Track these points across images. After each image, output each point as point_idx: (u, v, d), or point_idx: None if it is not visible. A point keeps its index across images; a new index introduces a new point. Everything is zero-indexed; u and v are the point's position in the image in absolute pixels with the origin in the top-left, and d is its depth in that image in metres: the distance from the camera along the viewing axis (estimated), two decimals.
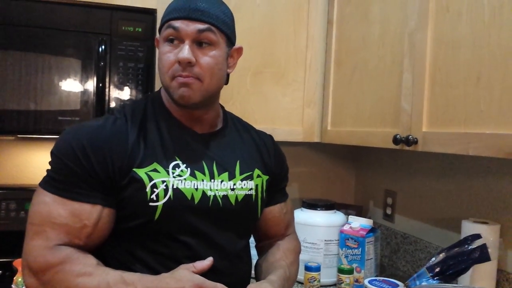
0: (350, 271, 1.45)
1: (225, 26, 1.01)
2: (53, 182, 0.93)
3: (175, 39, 0.97)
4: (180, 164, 0.99)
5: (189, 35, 0.96)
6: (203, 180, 1.00)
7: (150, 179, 0.94)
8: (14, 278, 1.31)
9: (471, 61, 1.02)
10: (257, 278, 1.13)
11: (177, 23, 0.96)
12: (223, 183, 1.02)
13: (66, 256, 0.89)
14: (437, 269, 1.19)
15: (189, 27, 0.95)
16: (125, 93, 1.50)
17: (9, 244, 1.50)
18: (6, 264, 1.46)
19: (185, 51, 0.95)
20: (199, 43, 0.97)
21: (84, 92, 1.45)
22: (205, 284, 0.90)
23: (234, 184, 1.04)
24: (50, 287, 0.88)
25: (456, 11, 1.07)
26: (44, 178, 0.95)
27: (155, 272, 0.93)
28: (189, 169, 0.99)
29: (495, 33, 0.96)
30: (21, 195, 1.62)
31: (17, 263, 1.33)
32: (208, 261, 0.96)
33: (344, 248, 1.56)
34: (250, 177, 1.07)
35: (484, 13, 0.99)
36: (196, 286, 0.89)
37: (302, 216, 1.62)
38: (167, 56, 0.97)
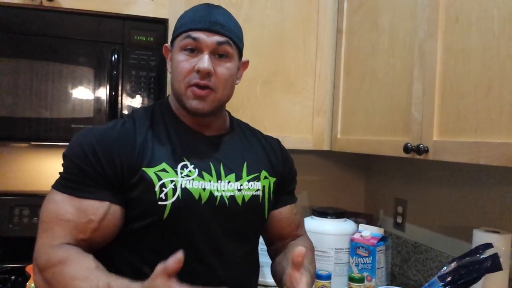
0: (361, 280, 1.45)
1: (239, 41, 1.06)
2: (64, 182, 0.96)
3: (195, 49, 1.00)
4: (188, 165, 1.01)
5: (209, 46, 1.00)
6: (210, 181, 1.02)
7: (159, 178, 0.97)
8: (27, 283, 1.32)
9: (481, 71, 1.02)
10: (279, 277, 1.11)
11: (197, 34, 0.99)
12: (230, 183, 1.04)
13: (66, 256, 0.89)
14: (449, 278, 1.19)
15: (209, 39, 1.00)
16: (137, 101, 1.52)
17: (22, 250, 1.52)
18: (18, 270, 1.48)
19: (206, 61, 0.98)
20: (216, 54, 1.01)
21: (97, 100, 1.47)
22: None
23: (241, 185, 1.06)
24: (52, 285, 0.90)
25: (465, 21, 1.08)
26: (57, 180, 0.99)
27: None
28: (197, 169, 1.01)
29: (504, 44, 0.96)
30: (34, 202, 1.64)
31: (30, 268, 1.34)
32: (178, 255, 0.77)
33: (354, 257, 1.56)
34: (257, 178, 1.09)
35: (493, 24, 0.99)
36: None
37: (312, 224, 1.62)
38: (183, 64, 1.01)
